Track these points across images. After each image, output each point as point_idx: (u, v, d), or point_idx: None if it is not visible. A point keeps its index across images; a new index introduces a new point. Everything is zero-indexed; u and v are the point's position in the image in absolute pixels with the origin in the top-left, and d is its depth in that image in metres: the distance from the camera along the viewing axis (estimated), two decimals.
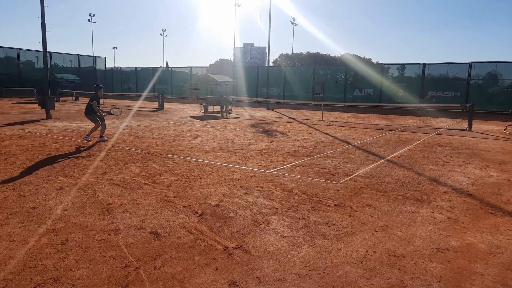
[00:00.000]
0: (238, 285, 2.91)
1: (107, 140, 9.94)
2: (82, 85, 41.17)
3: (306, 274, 3.09)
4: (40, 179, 5.89)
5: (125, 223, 4.13)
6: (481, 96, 26.81)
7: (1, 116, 16.08)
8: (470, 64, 27.16)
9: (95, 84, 10.92)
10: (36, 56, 42.95)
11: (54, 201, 4.83)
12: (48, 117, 15.87)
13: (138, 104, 28.02)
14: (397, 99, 29.31)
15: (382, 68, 31.44)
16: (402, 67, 30.92)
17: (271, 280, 2.99)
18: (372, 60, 78.04)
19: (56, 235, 3.75)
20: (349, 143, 10.54)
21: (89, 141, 9.73)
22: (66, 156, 7.78)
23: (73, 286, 2.84)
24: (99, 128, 10.08)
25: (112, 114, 10.79)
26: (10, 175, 6.06)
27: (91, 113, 9.96)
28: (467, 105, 16.80)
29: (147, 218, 4.29)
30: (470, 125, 14.96)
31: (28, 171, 6.36)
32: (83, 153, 8.09)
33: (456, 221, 4.45)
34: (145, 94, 32.71)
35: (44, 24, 16.35)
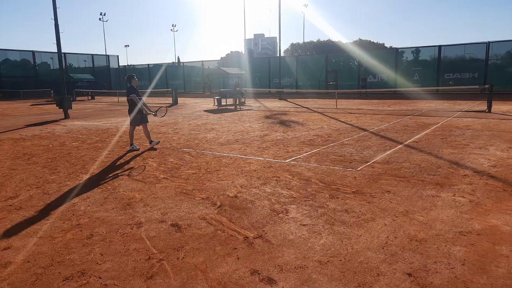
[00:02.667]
0: (260, 273, 2.94)
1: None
2: (97, 84, 41.89)
3: (328, 261, 3.10)
4: (62, 177, 6.05)
5: (147, 216, 4.21)
6: (500, 76, 26.03)
7: (21, 118, 16.50)
8: (488, 43, 26.36)
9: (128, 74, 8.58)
10: (51, 58, 43.80)
11: (77, 197, 4.95)
12: (66, 117, 16.21)
13: (152, 99, 28.25)
14: (413, 84, 28.78)
15: (396, 53, 30.84)
16: (417, 50, 30.24)
17: (293, 268, 3.01)
18: (385, 45, 76.58)
19: (81, 230, 3.86)
20: (365, 130, 10.42)
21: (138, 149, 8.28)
22: (87, 154, 7.94)
23: (100, 278, 2.92)
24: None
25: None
26: (33, 174, 6.24)
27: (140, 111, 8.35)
28: (486, 86, 16.35)
29: (168, 211, 4.37)
30: (489, 107, 14.58)
31: (50, 170, 6.53)
32: (102, 151, 8.25)
33: (479, 204, 4.37)
34: (149, 90, 32.81)
35: (58, 25, 16.59)
